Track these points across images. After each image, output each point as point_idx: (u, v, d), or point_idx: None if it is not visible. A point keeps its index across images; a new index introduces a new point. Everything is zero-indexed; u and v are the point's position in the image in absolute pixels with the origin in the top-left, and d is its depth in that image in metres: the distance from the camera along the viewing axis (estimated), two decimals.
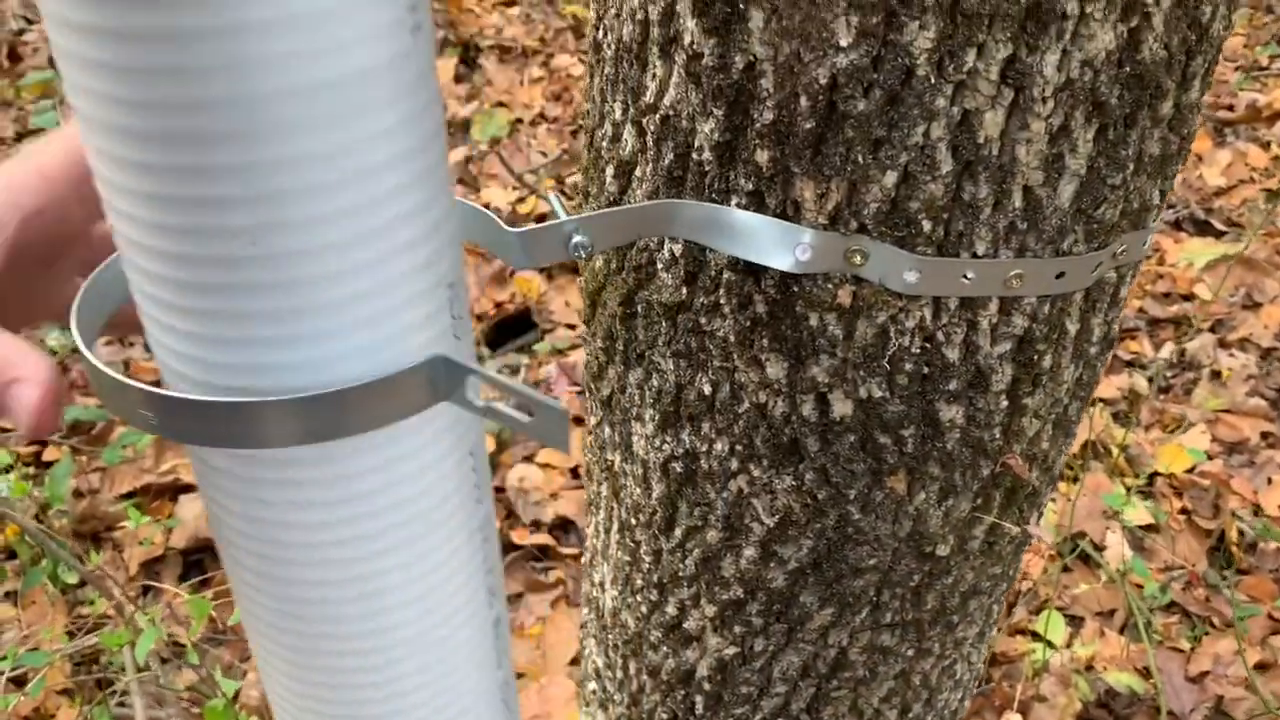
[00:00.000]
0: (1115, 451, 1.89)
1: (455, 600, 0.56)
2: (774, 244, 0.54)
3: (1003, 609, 0.84)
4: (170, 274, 0.37)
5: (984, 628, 0.83)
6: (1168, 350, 2.23)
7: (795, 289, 0.56)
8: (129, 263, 0.38)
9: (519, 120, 3.04)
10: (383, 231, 0.38)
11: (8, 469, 1.91)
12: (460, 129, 2.99)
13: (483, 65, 3.29)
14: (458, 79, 3.24)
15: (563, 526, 1.86)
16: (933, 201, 0.51)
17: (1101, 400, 2.09)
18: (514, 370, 2.17)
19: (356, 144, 0.36)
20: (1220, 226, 2.59)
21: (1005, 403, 0.61)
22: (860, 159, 0.49)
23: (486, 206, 2.76)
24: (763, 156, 0.51)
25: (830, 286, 0.55)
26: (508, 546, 1.78)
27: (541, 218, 2.64)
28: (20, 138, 2.94)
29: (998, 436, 0.62)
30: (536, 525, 1.84)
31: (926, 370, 0.58)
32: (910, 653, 0.77)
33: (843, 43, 0.46)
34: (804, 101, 0.48)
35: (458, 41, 3.34)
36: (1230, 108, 3.04)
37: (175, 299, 0.37)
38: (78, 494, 1.89)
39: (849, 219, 0.52)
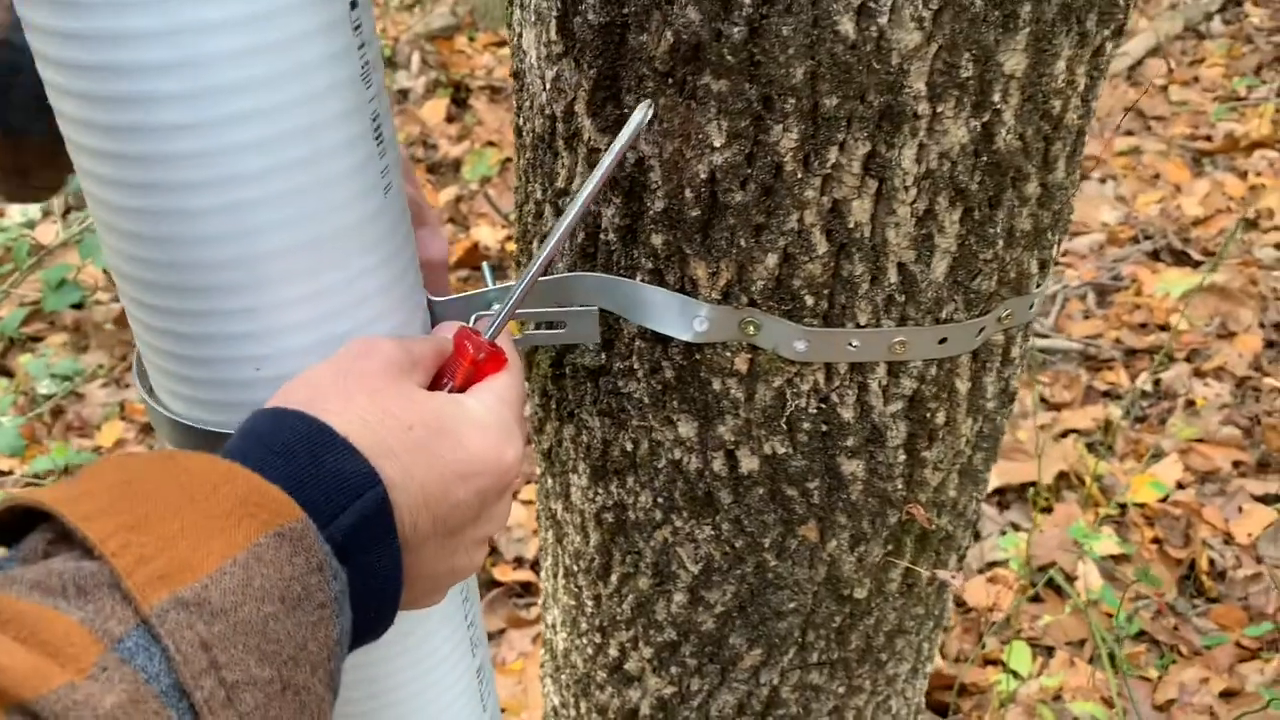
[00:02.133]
0: (1089, 482, 1.93)
1: (440, 653, 0.62)
2: (674, 316, 0.58)
3: (935, 645, 0.88)
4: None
5: (916, 664, 0.86)
6: (1143, 380, 2.27)
7: (698, 356, 0.60)
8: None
9: (509, 159, 3.11)
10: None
11: None
12: (451, 168, 3.06)
13: (473, 105, 3.36)
14: (449, 119, 3.31)
15: None
16: (813, 279, 0.55)
17: (1076, 431, 2.12)
18: None
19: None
20: (1197, 256, 2.63)
21: (904, 456, 0.65)
22: (743, 243, 0.54)
23: (475, 246, 2.77)
24: (658, 240, 0.56)
25: (729, 354, 0.59)
26: (490, 584, 1.82)
27: None
28: None
29: (900, 487, 0.67)
30: (519, 562, 1.88)
31: (825, 428, 0.62)
32: (841, 690, 0.81)
33: (716, 143, 0.51)
34: (689, 193, 0.53)
35: (449, 82, 3.41)
36: (1208, 138, 3.09)
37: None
38: None
39: (740, 294, 0.57)
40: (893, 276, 0.56)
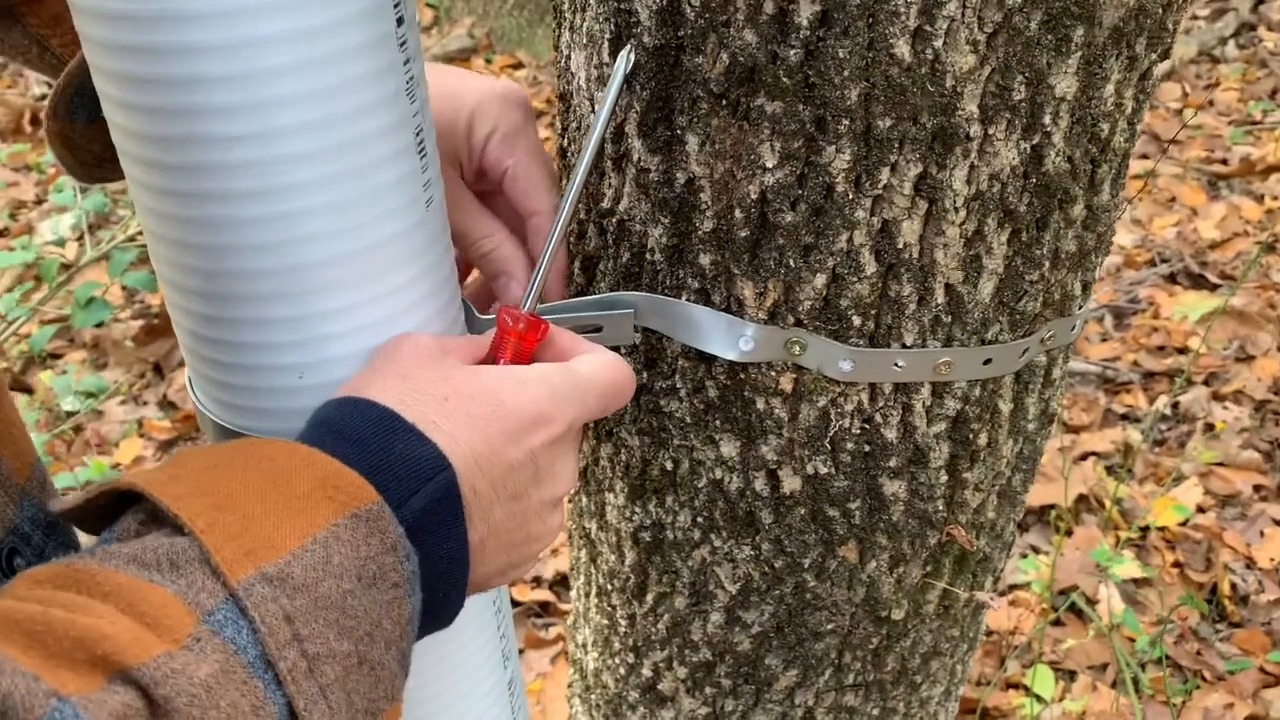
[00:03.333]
0: (1109, 505, 1.92)
1: (473, 663, 0.62)
2: (720, 335, 0.58)
3: (968, 668, 0.88)
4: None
5: (949, 686, 0.86)
6: (1161, 403, 2.26)
7: (743, 375, 0.60)
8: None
9: None
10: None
11: None
12: None
13: None
14: None
15: (563, 582, 1.90)
16: (861, 299, 0.55)
17: (1095, 454, 2.12)
18: None
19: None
20: (1214, 280, 2.63)
21: (945, 477, 0.65)
22: (792, 263, 0.54)
23: None
24: (706, 260, 0.56)
25: (774, 374, 0.59)
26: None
27: None
28: (40, 201, 3.04)
29: (941, 508, 0.67)
30: (537, 581, 1.88)
31: (868, 449, 0.62)
32: (876, 712, 0.80)
33: (769, 164, 0.51)
34: (739, 213, 0.53)
35: None
36: (1224, 161, 3.09)
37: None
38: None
39: (786, 314, 0.57)
40: (940, 297, 0.56)
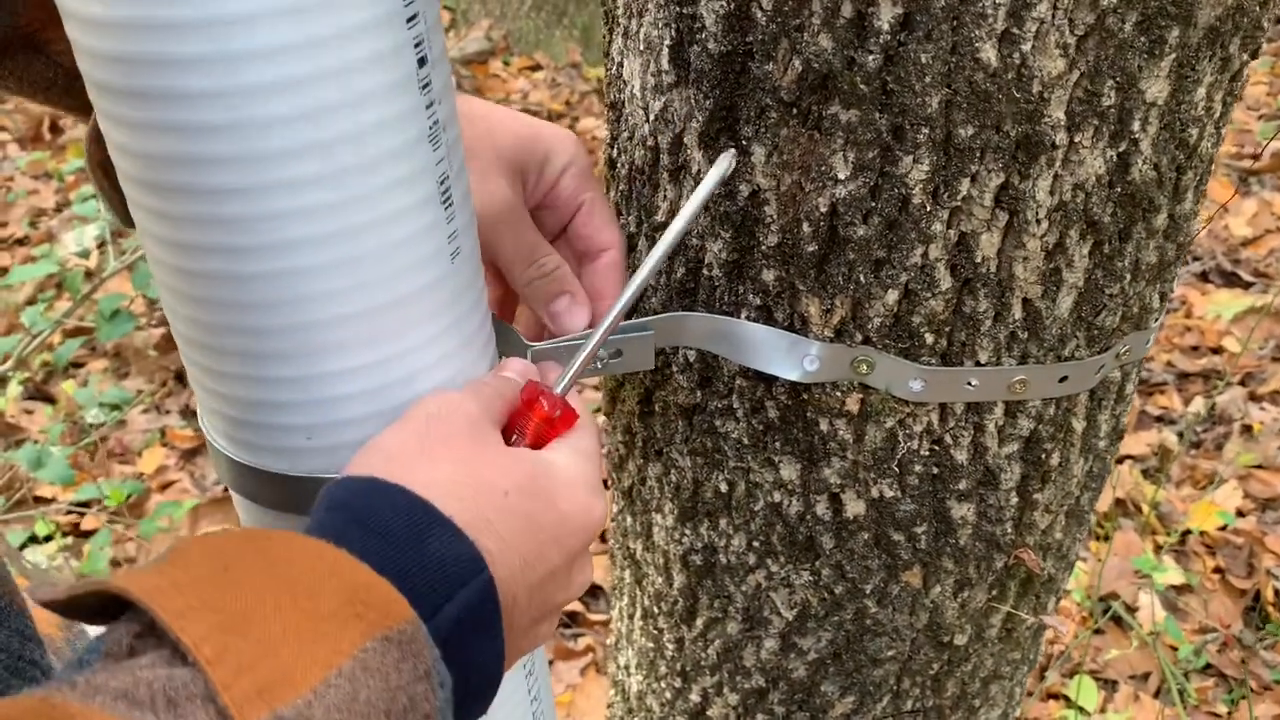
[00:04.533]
0: (1146, 509, 1.88)
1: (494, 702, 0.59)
2: (782, 355, 0.56)
3: (1025, 689, 0.85)
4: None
5: (1007, 709, 0.83)
6: (1198, 405, 2.22)
7: (805, 396, 0.57)
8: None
9: None
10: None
11: (47, 538, 1.95)
12: None
13: None
14: None
15: (591, 592, 1.87)
16: (934, 316, 0.53)
17: (1131, 457, 2.08)
18: None
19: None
20: (1247, 277, 2.58)
21: (1016, 499, 0.62)
22: (862, 278, 0.51)
23: None
24: (769, 275, 0.53)
25: (839, 394, 0.56)
26: None
27: None
28: (60, 208, 3.03)
29: (1010, 531, 0.64)
30: None
31: (936, 471, 0.59)
32: None
33: (841, 175, 0.48)
34: (806, 227, 0.51)
35: None
36: (1255, 157, 3.04)
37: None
38: (115, 563, 1.93)
39: (854, 332, 0.54)
40: (1017, 313, 0.53)
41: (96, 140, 0.49)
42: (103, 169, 0.51)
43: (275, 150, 0.37)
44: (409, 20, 0.38)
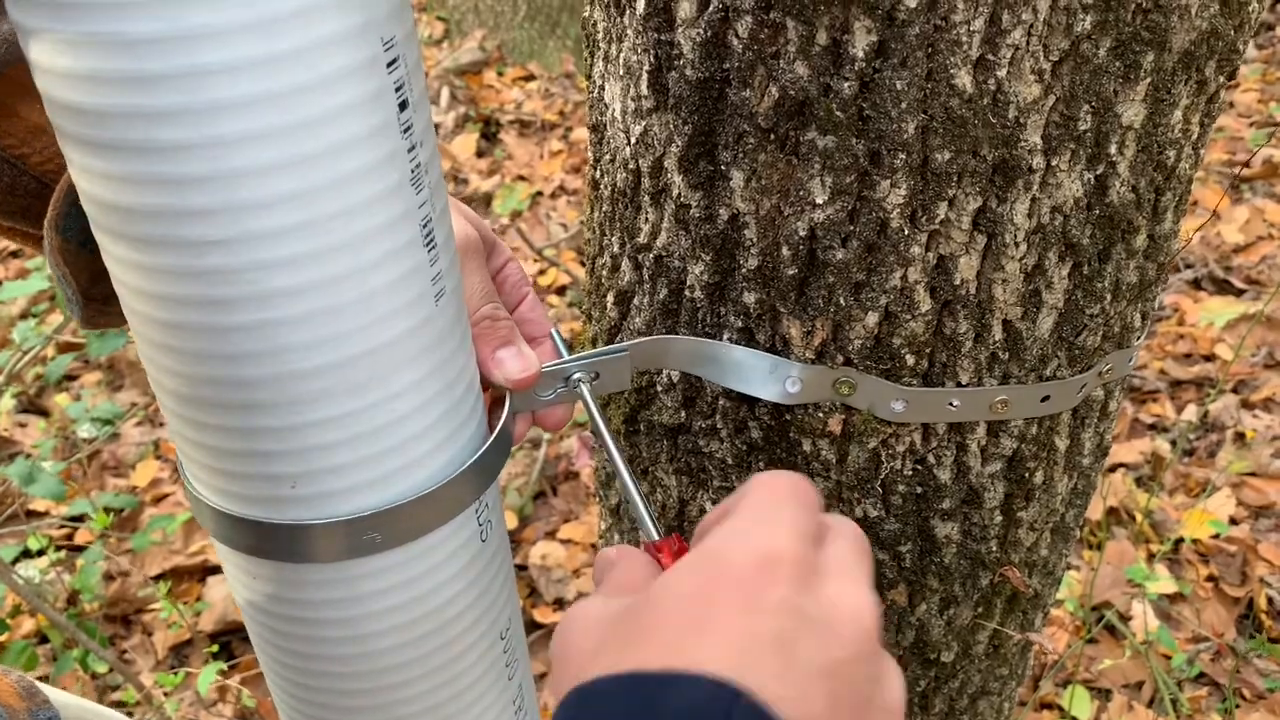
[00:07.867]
0: (1139, 518, 1.88)
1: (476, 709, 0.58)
2: (764, 377, 0.56)
3: (1014, 704, 0.85)
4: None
5: None
6: (1190, 412, 2.22)
7: (788, 416, 0.58)
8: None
9: (539, 193, 3.10)
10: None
11: (40, 552, 1.95)
12: (482, 202, 3.05)
13: (503, 139, 3.36)
14: (479, 153, 3.31)
15: None
16: (915, 337, 0.53)
17: (1124, 465, 2.08)
18: (534, 444, 2.20)
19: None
20: (1239, 285, 2.59)
21: (1000, 517, 0.62)
22: (842, 301, 0.52)
23: None
24: (750, 298, 0.54)
25: (821, 415, 0.57)
26: (530, 625, 1.78)
27: (563, 289, 2.68)
28: None
29: (994, 549, 0.64)
30: (559, 604, 1.85)
31: (920, 490, 0.60)
32: None
33: (819, 200, 0.48)
34: (786, 250, 0.51)
35: (478, 118, 3.42)
36: (1246, 164, 3.05)
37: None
38: (109, 577, 1.93)
39: (835, 354, 0.54)
40: (997, 334, 0.53)
41: (55, 227, 0.48)
42: (62, 255, 0.50)
43: (256, 200, 0.37)
44: (389, 65, 0.38)
